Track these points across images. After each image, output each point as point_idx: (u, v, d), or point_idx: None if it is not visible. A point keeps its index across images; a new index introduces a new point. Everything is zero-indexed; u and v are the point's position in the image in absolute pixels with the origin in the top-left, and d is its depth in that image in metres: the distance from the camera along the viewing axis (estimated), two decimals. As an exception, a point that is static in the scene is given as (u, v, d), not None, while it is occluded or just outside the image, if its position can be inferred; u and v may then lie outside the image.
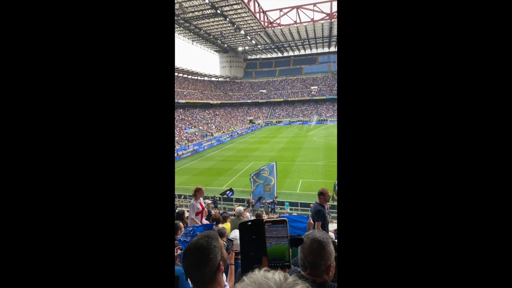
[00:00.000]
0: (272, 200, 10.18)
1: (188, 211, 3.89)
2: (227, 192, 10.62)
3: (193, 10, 30.54)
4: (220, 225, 3.51)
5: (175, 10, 29.48)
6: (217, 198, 11.52)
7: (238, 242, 1.79)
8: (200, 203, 3.74)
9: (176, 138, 27.61)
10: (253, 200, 10.07)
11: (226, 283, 0.97)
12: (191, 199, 3.81)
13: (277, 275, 0.43)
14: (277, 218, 0.78)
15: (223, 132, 34.79)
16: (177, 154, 23.47)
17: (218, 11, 31.14)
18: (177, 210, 3.83)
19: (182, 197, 11.68)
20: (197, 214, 3.67)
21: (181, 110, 36.19)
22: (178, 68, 40.08)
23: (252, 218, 6.31)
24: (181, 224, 2.81)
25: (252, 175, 10.30)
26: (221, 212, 7.03)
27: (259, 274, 0.43)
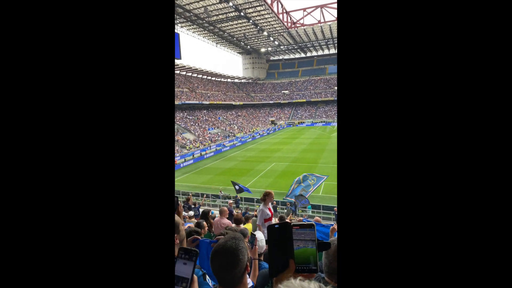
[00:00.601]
0: (294, 202, 10.07)
1: (210, 210, 3.97)
2: (236, 188, 10.67)
3: (217, 13, 31.21)
4: (242, 226, 3.54)
5: (200, 14, 30.30)
6: (239, 198, 11.63)
7: (260, 237, 1.80)
8: (269, 209, 3.49)
9: (200, 138, 28.35)
10: (289, 199, 10.01)
11: (250, 281, 0.98)
12: (214, 198, 3.84)
13: (312, 285, 0.42)
14: (301, 221, 0.78)
15: (245, 132, 35.09)
16: (200, 154, 24.07)
17: (242, 13, 31.52)
18: (202, 209, 3.91)
19: (205, 196, 11.97)
20: (266, 220, 3.42)
21: (205, 111, 37.10)
22: (202, 70, 41.16)
23: (274, 219, 6.30)
24: (204, 223, 2.88)
25: (302, 176, 10.25)
26: (243, 212, 7.09)
27: (296, 283, 0.43)
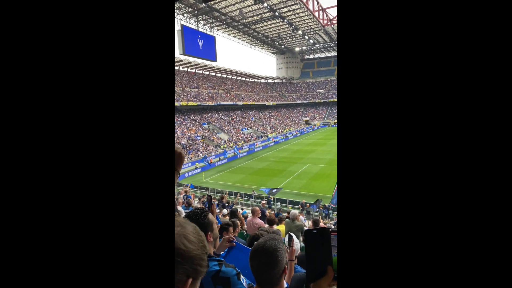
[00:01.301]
0: (324, 205, 9.75)
1: (242, 209, 4.01)
2: (274, 191, 10.65)
3: (252, 15, 31.61)
4: (275, 227, 3.50)
5: (235, 16, 30.98)
6: (271, 199, 11.61)
7: (295, 240, 1.75)
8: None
9: (234, 138, 28.99)
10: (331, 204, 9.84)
11: (285, 282, 0.98)
12: (247, 197, 3.89)
13: None
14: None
15: (278, 133, 34.98)
16: (234, 153, 24.60)
17: (276, 13, 31.47)
18: (232, 207, 3.97)
19: (238, 194, 12.19)
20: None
21: (238, 111, 37.86)
22: (237, 71, 42.09)
23: (307, 222, 6.15)
24: (238, 222, 2.90)
25: None
26: (275, 213, 7.04)
27: None
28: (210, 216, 1.27)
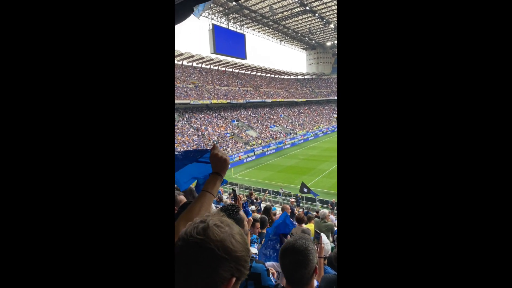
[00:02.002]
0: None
1: (272, 205, 4.01)
2: (305, 190, 10.43)
3: (282, 10, 31.21)
4: (304, 226, 3.45)
5: (265, 13, 30.81)
6: (300, 197, 11.46)
7: (325, 240, 1.70)
8: None
9: (262, 136, 29.10)
10: None
11: (315, 281, 0.97)
12: (275, 194, 3.88)
13: None
14: None
15: (307, 130, 34.28)
16: (262, 150, 24.69)
17: (307, 8, 30.68)
18: (264, 205, 3.98)
19: (267, 191, 12.23)
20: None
21: (267, 108, 37.82)
22: (266, 69, 41.97)
23: (336, 221, 5.95)
24: (267, 219, 2.91)
25: None
26: (304, 211, 6.95)
27: None
28: (242, 212, 1.29)
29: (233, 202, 1.75)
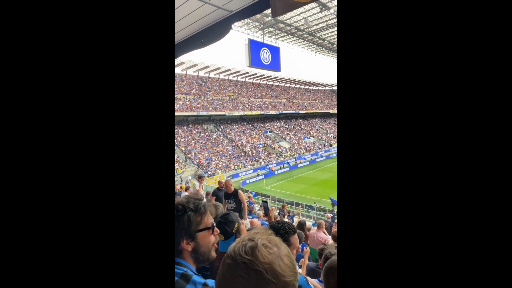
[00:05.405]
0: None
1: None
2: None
3: (317, 22, 31.21)
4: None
5: (300, 26, 31.08)
6: (335, 213, 10.90)
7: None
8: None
9: (295, 147, 28.71)
10: None
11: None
12: (308, 209, 3.75)
13: None
14: None
15: (343, 142, 32.90)
16: (295, 162, 24.27)
17: (343, 18, 30.24)
18: (298, 220, 3.87)
19: (300, 206, 11.87)
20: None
21: (301, 120, 37.43)
22: (299, 80, 41.90)
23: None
24: (303, 233, 2.81)
25: None
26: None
27: None
28: (295, 237, 1.21)
29: (265, 214, 1.70)
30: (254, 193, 14.12)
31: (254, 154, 24.83)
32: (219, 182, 3.95)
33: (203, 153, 22.66)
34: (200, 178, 4.33)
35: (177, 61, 23.79)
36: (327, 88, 49.30)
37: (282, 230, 1.16)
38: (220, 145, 24.95)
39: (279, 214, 6.10)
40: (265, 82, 39.62)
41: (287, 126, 34.21)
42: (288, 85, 42.76)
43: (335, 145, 31.45)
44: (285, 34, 33.65)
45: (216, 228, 0.87)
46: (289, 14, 29.31)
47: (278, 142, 29.74)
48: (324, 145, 31.22)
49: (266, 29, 30.47)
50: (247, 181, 19.67)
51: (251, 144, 26.90)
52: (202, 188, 4.38)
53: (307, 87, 45.49)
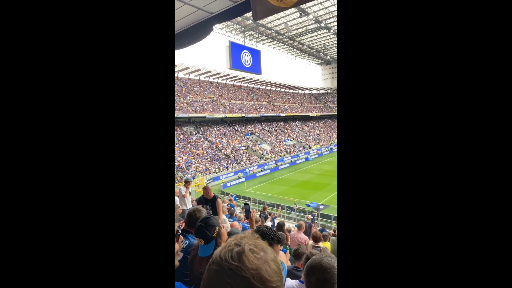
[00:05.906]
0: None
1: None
2: (321, 206, 10.14)
3: (297, 27, 31.91)
4: (321, 244, 3.32)
5: (281, 30, 31.61)
6: (315, 214, 11.13)
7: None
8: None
9: (276, 149, 28.99)
10: None
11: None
12: (289, 210, 3.80)
13: None
14: None
15: (322, 144, 33.84)
16: (276, 164, 24.50)
17: (322, 24, 31.20)
18: (276, 221, 3.90)
19: (280, 207, 11.99)
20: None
21: (281, 122, 37.91)
22: (280, 84, 42.52)
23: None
24: (284, 235, 2.83)
25: None
26: (319, 229, 6.71)
27: None
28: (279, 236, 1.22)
29: (246, 217, 1.72)
30: (235, 195, 14.03)
31: (235, 157, 24.73)
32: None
33: (182, 155, 22.15)
34: (186, 182, 4.08)
35: (155, 61, 23.04)
36: (306, 92, 50.44)
37: (268, 236, 1.18)
38: (200, 148, 24.56)
39: (260, 216, 6.11)
40: (246, 84, 39.72)
41: (268, 129, 34.48)
42: (269, 88, 43.18)
43: (315, 147, 32.21)
44: (266, 37, 34.01)
45: (181, 236, 0.86)
46: (269, 18, 29.68)
47: (259, 144, 29.87)
48: (304, 147, 31.84)
49: (247, 32, 30.61)
50: (228, 184, 19.52)
51: (232, 146, 26.77)
52: (190, 193, 4.13)
53: (287, 90, 46.23)
